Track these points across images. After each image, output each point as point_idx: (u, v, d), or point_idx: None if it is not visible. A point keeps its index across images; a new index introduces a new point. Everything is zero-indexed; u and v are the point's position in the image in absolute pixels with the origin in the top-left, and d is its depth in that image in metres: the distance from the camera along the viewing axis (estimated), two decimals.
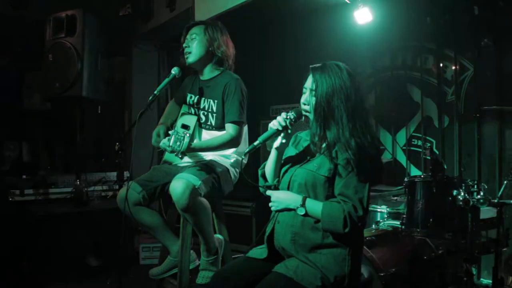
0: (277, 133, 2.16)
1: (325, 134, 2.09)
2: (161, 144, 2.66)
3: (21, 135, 5.43)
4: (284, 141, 2.19)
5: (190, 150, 2.69)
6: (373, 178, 2.04)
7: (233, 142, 2.92)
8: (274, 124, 2.15)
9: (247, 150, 2.17)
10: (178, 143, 2.56)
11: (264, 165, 2.33)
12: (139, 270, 4.22)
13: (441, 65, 4.24)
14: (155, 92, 2.87)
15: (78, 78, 4.43)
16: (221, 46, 3.02)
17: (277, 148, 2.22)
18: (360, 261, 2.12)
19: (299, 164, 2.18)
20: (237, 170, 3.06)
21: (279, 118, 2.15)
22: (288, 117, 2.15)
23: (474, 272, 3.00)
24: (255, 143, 2.15)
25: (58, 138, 5.63)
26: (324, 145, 2.11)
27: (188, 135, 2.57)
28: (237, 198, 4.70)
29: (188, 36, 3.03)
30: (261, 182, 2.35)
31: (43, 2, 4.86)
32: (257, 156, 4.43)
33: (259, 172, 2.37)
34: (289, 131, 2.18)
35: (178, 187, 2.68)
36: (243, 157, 2.20)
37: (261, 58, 5.28)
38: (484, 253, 3.00)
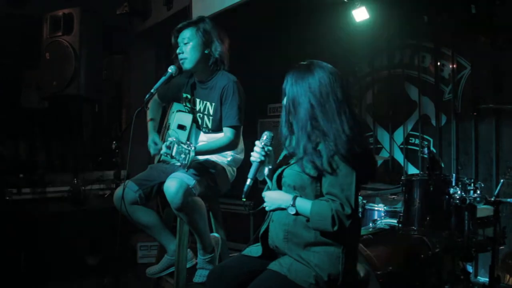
0: (261, 163, 2.19)
1: (294, 135, 2.11)
2: (162, 152, 2.61)
3: (18, 133, 5.42)
4: (270, 167, 2.23)
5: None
6: (361, 175, 2.01)
7: (231, 145, 2.91)
8: (255, 157, 2.18)
9: (244, 192, 2.16)
10: (183, 156, 2.53)
11: (268, 187, 2.33)
12: (137, 269, 4.22)
13: (438, 63, 4.24)
14: (152, 91, 2.86)
15: (76, 76, 4.43)
16: (218, 47, 2.94)
17: (268, 176, 2.25)
18: (355, 259, 2.12)
19: (287, 164, 2.19)
20: (234, 168, 3.07)
21: (256, 149, 2.19)
22: (263, 144, 2.19)
23: (471, 271, 3.00)
24: (248, 182, 2.17)
25: (55, 137, 5.62)
26: (295, 146, 2.10)
27: (193, 148, 2.53)
28: (235, 197, 4.70)
29: (180, 40, 2.93)
30: None
31: (40, 0, 4.84)
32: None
33: (263, 196, 2.36)
34: (271, 155, 2.21)
35: (171, 186, 2.67)
36: (243, 199, 2.17)
37: (258, 57, 5.28)
38: (481, 251, 3.01)
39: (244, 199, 2.15)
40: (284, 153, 2.29)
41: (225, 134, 2.90)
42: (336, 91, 2.06)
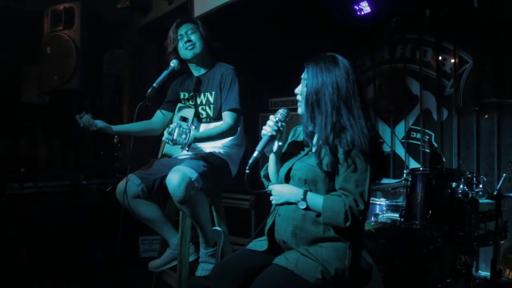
0: (271, 138, 2.16)
1: (316, 126, 2.10)
2: (163, 138, 2.63)
3: (19, 128, 5.42)
4: (280, 143, 2.20)
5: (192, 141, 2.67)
6: (375, 172, 2.01)
7: (231, 130, 2.92)
8: (267, 131, 2.15)
9: (249, 163, 2.13)
10: (183, 136, 2.54)
11: (266, 166, 2.34)
12: (139, 263, 4.22)
13: (440, 58, 4.23)
14: (154, 85, 2.88)
15: (76, 71, 4.44)
16: (216, 42, 3.09)
17: (275, 153, 2.23)
18: (361, 254, 2.12)
19: (297, 157, 2.18)
20: (237, 162, 3.07)
21: (269, 123, 2.16)
22: (277, 119, 2.16)
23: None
24: (255, 155, 2.12)
25: (56, 131, 5.62)
26: (317, 138, 2.10)
27: (194, 127, 2.56)
28: (236, 191, 4.70)
29: (182, 33, 3.02)
30: (264, 183, 2.36)
31: None
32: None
33: (262, 173, 2.37)
34: (283, 132, 2.18)
35: (174, 179, 2.68)
36: (247, 171, 2.15)
37: (260, 51, 5.27)
38: (483, 246, 3.02)
39: (248, 171, 2.12)
40: (287, 146, 2.29)
41: (225, 120, 2.92)
42: (360, 87, 2.07)
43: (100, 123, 2.89)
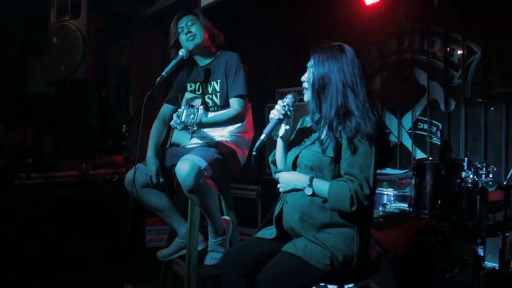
0: (279, 122, 2.20)
1: (322, 112, 2.12)
2: (172, 123, 2.65)
3: (26, 119, 5.42)
4: (287, 127, 2.23)
5: (200, 126, 2.68)
6: (380, 157, 2.02)
7: (239, 116, 2.93)
8: (274, 114, 2.19)
9: (256, 146, 2.15)
10: (191, 116, 2.56)
11: (274, 153, 2.36)
12: (146, 252, 4.24)
13: (448, 48, 4.21)
14: (163, 74, 2.87)
15: (83, 61, 4.42)
16: (217, 31, 3.11)
17: (282, 137, 2.26)
18: (369, 241, 2.13)
19: (304, 144, 2.20)
20: (245, 151, 3.07)
21: (277, 107, 2.19)
22: (285, 103, 2.19)
23: (481, 254, 3.01)
24: (262, 137, 2.16)
25: (63, 122, 5.62)
26: (323, 123, 2.13)
27: (202, 107, 2.57)
28: (243, 182, 4.71)
29: (182, 25, 3.04)
30: (272, 168, 2.38)
31: None
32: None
33: (270, 159, 2.39)
34: (290, 116, 2.21)
35: (183, 168, 2.69)
36: (254, 153, 2.17)
37: (267, 41, 5.26)
38: (491, 236, 3.01)
39: (255, 153, 2.14)
40: (294, 135, 2.30)
41: (232, 106, 2.93)
42: (363, 75, 2.10)
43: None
